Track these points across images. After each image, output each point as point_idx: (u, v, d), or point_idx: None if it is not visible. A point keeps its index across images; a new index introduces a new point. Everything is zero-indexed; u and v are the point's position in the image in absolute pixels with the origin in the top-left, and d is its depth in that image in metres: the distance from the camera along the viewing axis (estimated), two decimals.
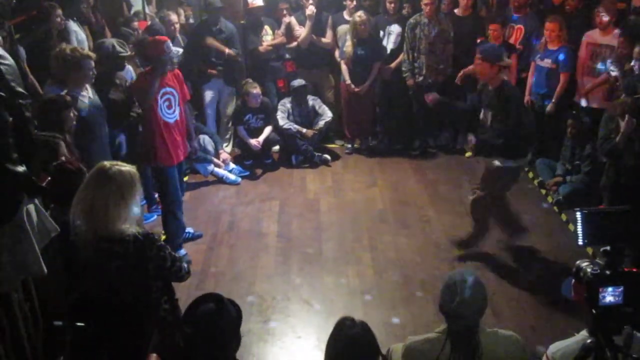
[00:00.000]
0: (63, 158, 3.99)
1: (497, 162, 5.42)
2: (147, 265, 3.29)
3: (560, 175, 6.96)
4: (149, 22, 7.56)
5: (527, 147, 5.70)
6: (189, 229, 6.24)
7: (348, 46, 7.93)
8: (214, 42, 7.77)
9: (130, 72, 6.31)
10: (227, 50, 7.80)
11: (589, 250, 5.34)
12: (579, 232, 2.55)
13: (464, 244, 5.94)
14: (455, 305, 2.80)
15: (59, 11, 6.34)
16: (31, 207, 3.01)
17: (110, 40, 5.99)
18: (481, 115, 5.53)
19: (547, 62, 7.12)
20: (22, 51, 5.86)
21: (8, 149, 2.71)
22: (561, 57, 7.02)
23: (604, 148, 5.44)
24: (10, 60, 2.88)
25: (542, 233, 6.26)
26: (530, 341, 4.42)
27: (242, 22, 8.27)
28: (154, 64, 5.45)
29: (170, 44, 5.57)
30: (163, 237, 5.99)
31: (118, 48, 5.88)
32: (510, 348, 2.91)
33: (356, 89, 8.01)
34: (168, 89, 5.53)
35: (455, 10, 8.03)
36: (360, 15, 7.75)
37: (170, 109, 5.57)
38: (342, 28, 8.18)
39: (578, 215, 2.54)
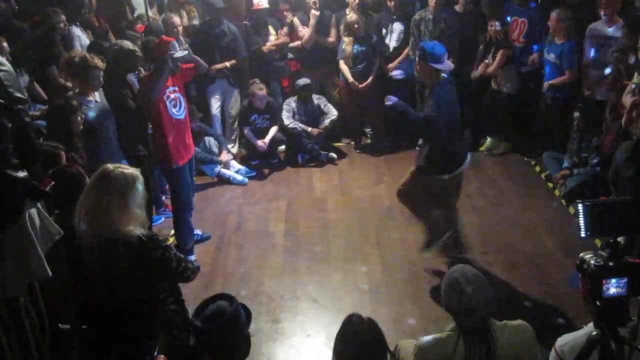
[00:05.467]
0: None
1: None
2: (152, 266, 3.29)
3: (568, 168, 6.92)
4: (147, 24, 7.56)
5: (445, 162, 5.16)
6: (197, 231, 6.23)
7: (346, 46, 7.94)
8: (216, 66, 7.82)
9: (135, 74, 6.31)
10: (227, 64, 7.87)
11: (598, 242, 5.31)
12: (581, 224, 2.53)
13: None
14: (462, 303, 2.81)
15: (62, 17, 6.36)
16: (33, 211, 3.03)
17: (127, 42, 6.00)
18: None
19: (551, 57, 7.09)
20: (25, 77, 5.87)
21: (8, 155, 2.73)
22: (564, 53, 6.99)
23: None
24: (8, 67, 2.90)
25: (550, 226, 6.23)
26: (539, 335, 4.41)
27: (245, 22, 8.27)
28: (159, 64, 5.44)
29: (176, 45, 5.60)
30: (171, 240, 6.01)
31: (135, 48, 5.90)
32: (522, 336, 2.94)
33: (360, 86, 8.00)
34: (173, 88, 5.55)
35: (456, 7, 7.99)
36: (351, 15, 7.80)
37: (176, 107, 5.58)
38: None
39: (579, 207, 2.52)
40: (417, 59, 5.10)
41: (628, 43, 6.02)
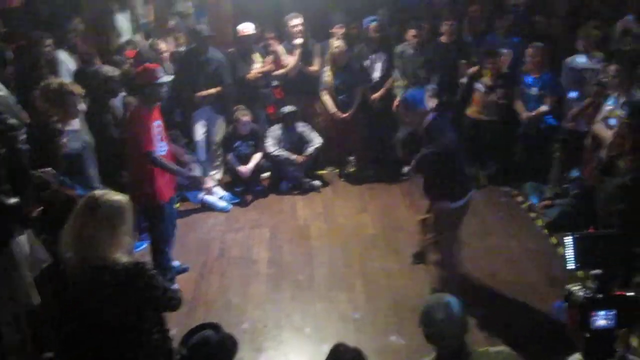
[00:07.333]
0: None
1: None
2: (138, 294, 3.26)
3: (549, 198, 7.00)
4: (138, 50, 7.57)
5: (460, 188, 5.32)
6: (176, 262, 6.13)
7: (328, 76, 8.01)
8: (201, 93, 7.82)
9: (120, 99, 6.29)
10: (213, 91, 7.85)
11: (580, 273, 5.35)
12: (569, 256, 2.57)
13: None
14: (435, 329, 2.88)
15: (49, 41, 6.36)
16: (22, 237, 3.00)
17: (106, 67, 6.00)
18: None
19: (534, 90, 7.22)
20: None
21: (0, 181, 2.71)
22: (546, 83, 7.17)
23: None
24: (4, 92, 2.90)
25: (533, 256, 6.28)
26: None
27: (231, 49, 8.31)
28: (146, 93, 5.39)
29: (162, 71, 5.50)
30: None
31: (115, 73, 5.89)
32: None
33: (343, 115, 8.06)
34: (158, 122, 5.47)
35: (441, 38, 8.13)
36: (338, 45, 7.86)
37: (162, 142, 5.51)
38: None
39: (568, 239, 2.55)
40: (402, 112, 5.33)
41: (607, 76, 6.15)
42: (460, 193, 5.25)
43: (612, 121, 5.65)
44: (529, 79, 7.29)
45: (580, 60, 6.93)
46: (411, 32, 7.76)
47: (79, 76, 6.23)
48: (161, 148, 5.49)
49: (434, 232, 5.43)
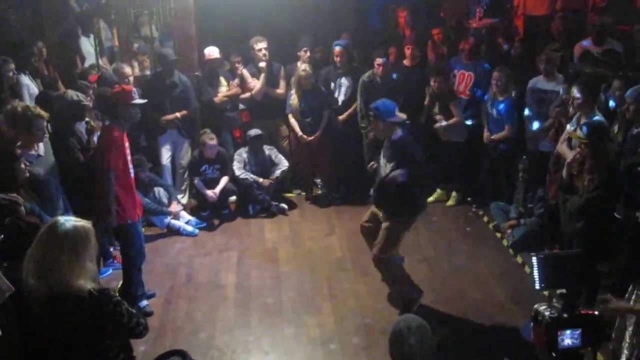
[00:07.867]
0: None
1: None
2: (103, 322, 3.21)
3: (515, 218, 7.09)
4: (100, 74, 7.51)
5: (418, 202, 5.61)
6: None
7: (294, 99, 8.05)
8: (167, 117, 7.79)
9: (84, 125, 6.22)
10: (178, 115, 7.81)
11: (546, 292, 5.41)
12: (535, 277, 2.59)
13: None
14: (404, 352, 2.85)
15: (12, 65, 6.26)
16: None
17: (71, 92, 5.95)
18: (375, 165, 5.71)
19: (494, 112, 7.35)
20: None
21: None
22: (503, 109, 7.29)
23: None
24: None
25: (499, 276, 6.33)
26: None
27: (197, 73, 8.30)
28: (120, 112, 5.41)
29: (136, 92, 5.60)
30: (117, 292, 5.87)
31: (80, 98, 5.85)
32: None
33: (309, 139, 8.09)
34: (126, 144, 5.51)
35: (404, 61, 8.22)
36: (305, 69, 7.91)
37: (132, 163, 5.58)
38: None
39: (534, 260, 2.58)
40: (372, 119, 5.44)
41: (569, 97, 6.27)
42: (421, 207, 5.50)
43: (575, 142, 5.75)
44: (494, 101, 7.40)
45: (542, 82, 7.07)
46: (377, 62, 7.77)
47: (41, 100, 6.14)
48: (131, 170, 5.55)
49: (382, 246, 5.54)
